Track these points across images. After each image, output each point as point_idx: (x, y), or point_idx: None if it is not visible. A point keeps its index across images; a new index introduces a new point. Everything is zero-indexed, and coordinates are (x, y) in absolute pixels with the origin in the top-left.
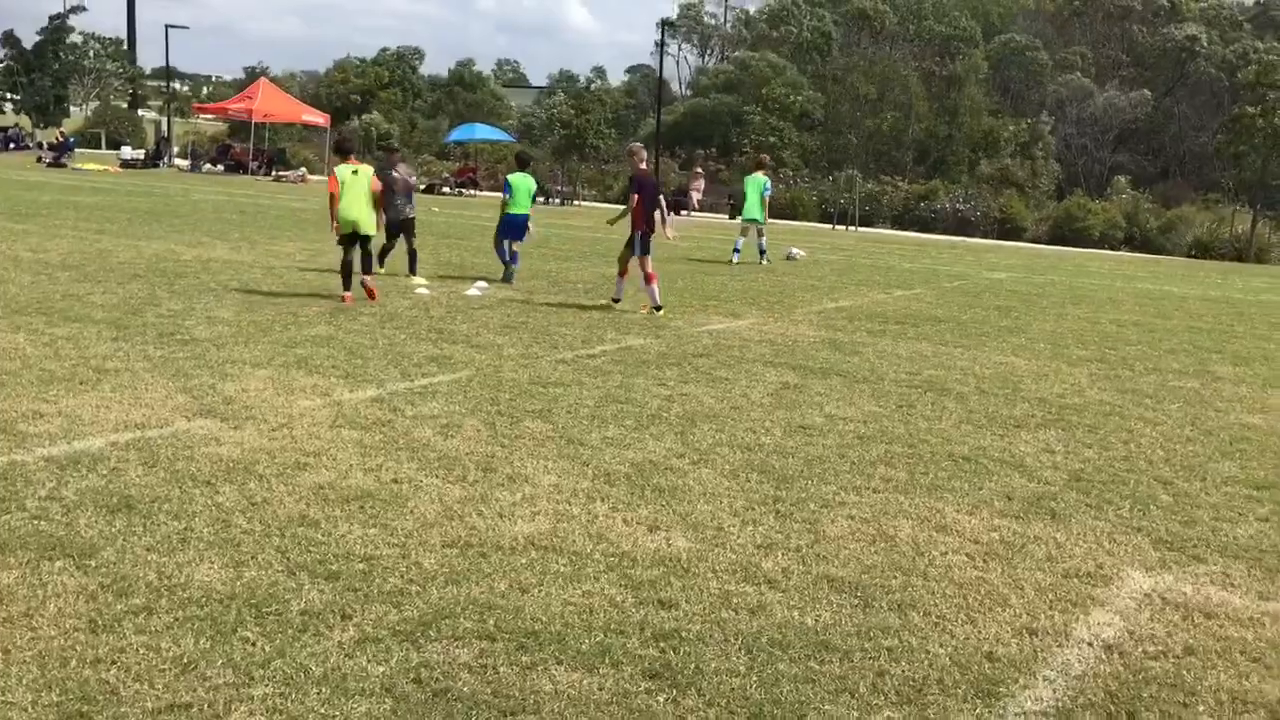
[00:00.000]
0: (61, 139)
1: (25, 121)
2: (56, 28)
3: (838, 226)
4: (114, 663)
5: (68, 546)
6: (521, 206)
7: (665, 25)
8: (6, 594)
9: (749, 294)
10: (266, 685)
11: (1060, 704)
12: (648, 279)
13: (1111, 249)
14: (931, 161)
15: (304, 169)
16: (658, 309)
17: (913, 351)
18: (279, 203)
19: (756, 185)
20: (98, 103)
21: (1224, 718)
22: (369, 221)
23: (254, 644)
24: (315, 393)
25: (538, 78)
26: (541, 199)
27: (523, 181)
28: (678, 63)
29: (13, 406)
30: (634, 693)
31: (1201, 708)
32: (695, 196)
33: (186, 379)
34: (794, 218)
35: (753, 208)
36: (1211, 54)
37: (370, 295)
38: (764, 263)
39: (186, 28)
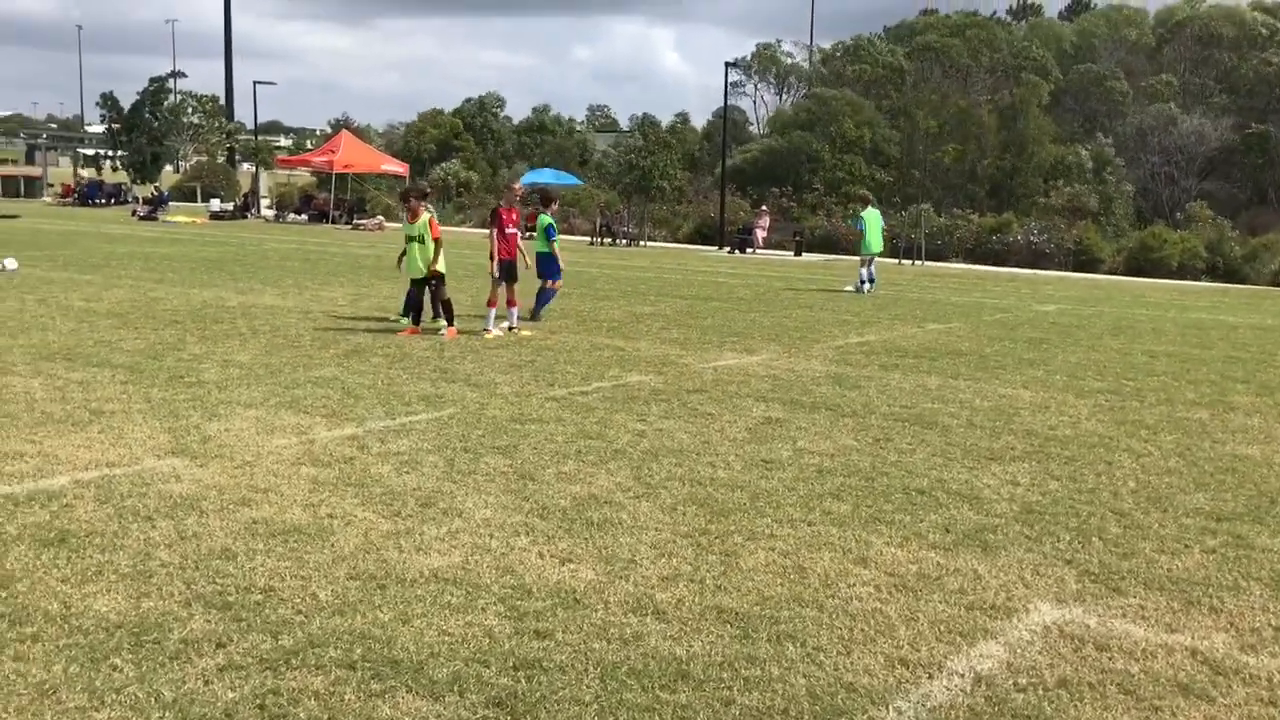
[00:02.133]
0: (156, 194)
1: (124, 178)
2: (155, 90)
3: (904, 261)
4: (41, 697)
5: None
6: (539, 246)
7: (729, 66)
8: None
9: (776, 329)
10: (113, 709)
11: None
12: (510, 304)
13: (1192, 279)
14: (1003, 194)
15: (380, 217)
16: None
17: (917, 385)
18: (347, 250)
19: (875, 219)
20: (196, 159)
21: None
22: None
23: (119, 670)
24: (293, 432)
25: (627, 121)
26: (609, 239)
27: (540, 220)
28: (754, 102)
29: (4, 445)
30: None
31: None
32: (760, 234)
33: (175, 419)
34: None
35: (874, 241)
36: None
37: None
38: (867, 290)
39: (274, 84)
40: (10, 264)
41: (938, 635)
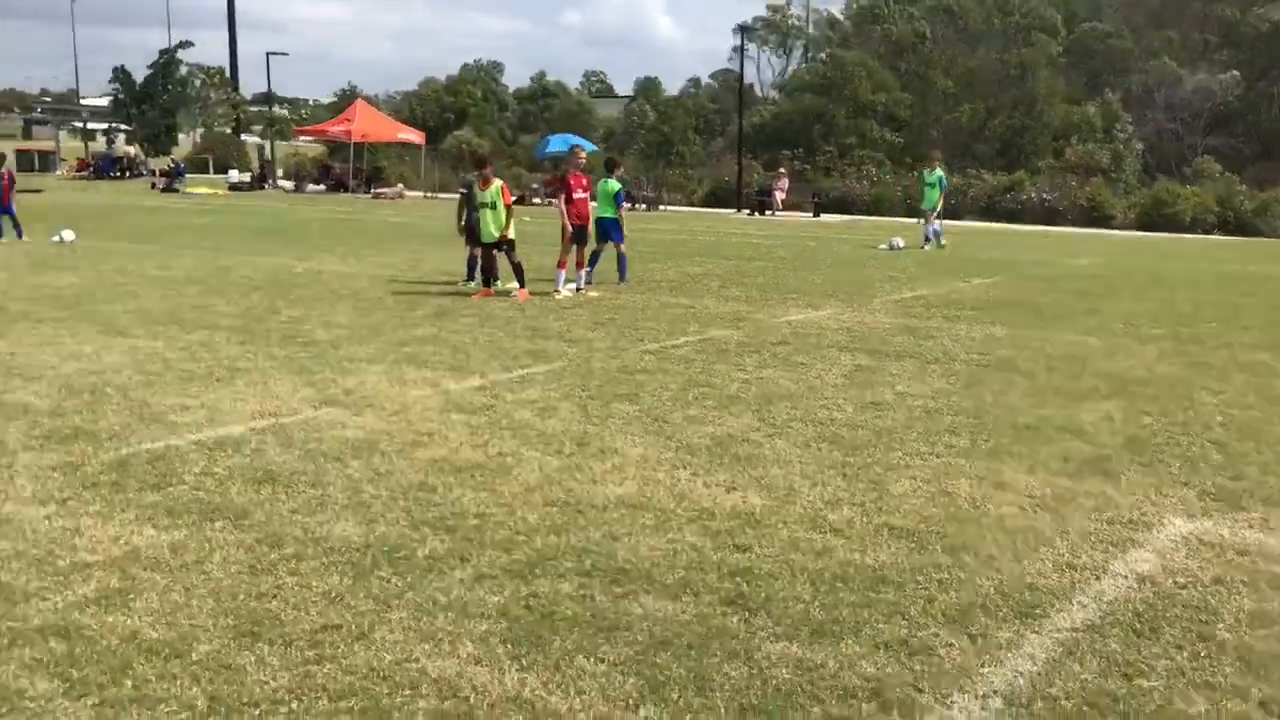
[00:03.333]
0: (173, 166)
1: (137, 151)
2: (166, 62)
3: (920, 221)
4: (274, 596)
5: (224, 511)
6: (604, 211)
7: (744, 30)
8: (180, 546)
9: (829, 286)
10: (402, 611)
11: (1091, 622)
12: (579, 266)
13: (1204, 233)
14: (1013, 153)
15: (401, 185)
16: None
17: (985, 334)
18: (379, 218)
19: (931, 178)
20: (204, 130)
21: (1240, 633)
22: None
23: (389, 581)
24: (425, 384)
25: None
26: (628, 204)
27: (604, 186)
28: (757, 66)
29: (161, 400)
30: (712, 616)
31: (1220, 625)
32: (779, 196)
33: (310, 375)
34: (879, 213)
35: (929, 196)
36: None
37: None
38: (926, 248)
39: (286, 54)
40: (69, 235)
41: (1091, 545)
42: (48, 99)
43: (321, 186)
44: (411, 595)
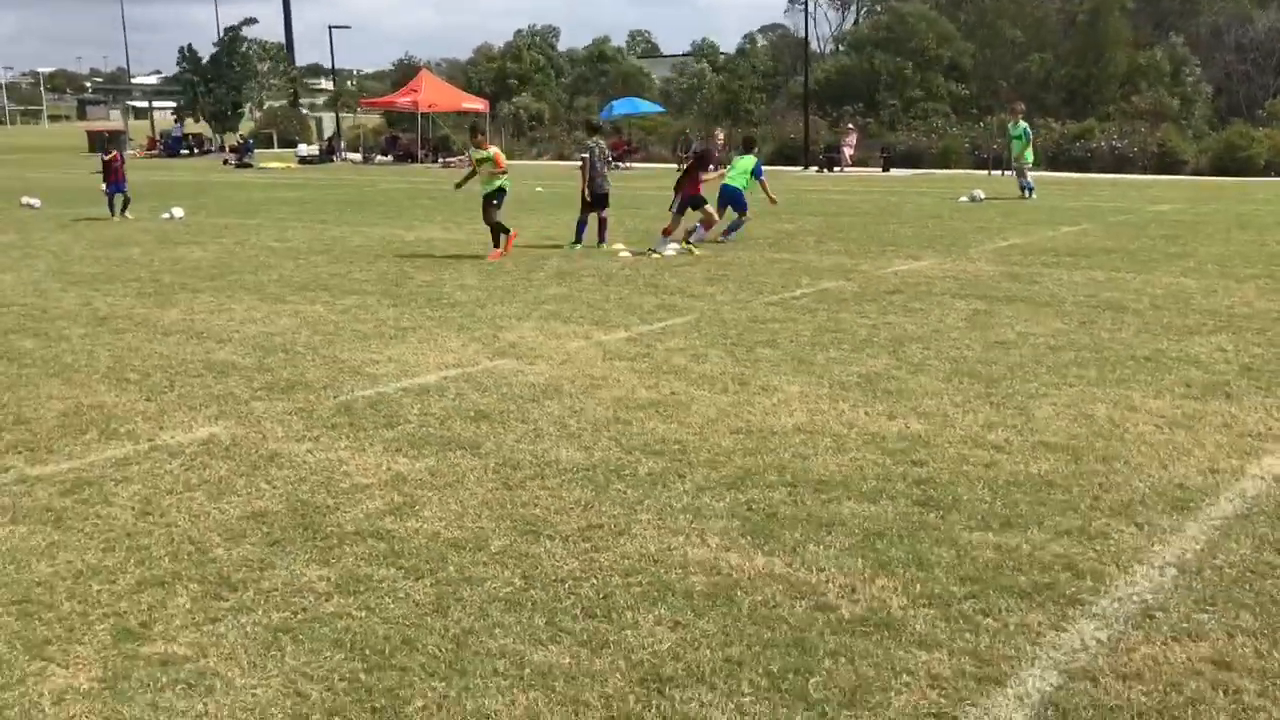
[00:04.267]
0: (242, 141)
1: (206, 129)
2: (231, 39)
3: (993, 173)
4: (536, 505)
5: (456, 443)
6: (734, 180)
7: None
8: (435, 471)
9: (923, 238)
10: (646, 514)
11: (1240, 512)
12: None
13: (1278, 175)
14: (1079, 101)
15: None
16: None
17: (1087, 279)
18: None
19: (1016, 131)
20: (266, 105)
21: None
22: None
23: (625, 492)
24: (578, 336)
25: (669, 46)
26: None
27: (741, 161)
28: (814, 21)
29: (350, 355)
30: (911, 514)
31: None
32: (848, 152)
33: (470, 331)
34: (947, 166)
35: (1016, 148)
36: None
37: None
38: (1026, 196)
39: (348, 27)
40: (178, 212)
41: (1226, 454)
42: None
43: (389, 158)
44: (649, 502)
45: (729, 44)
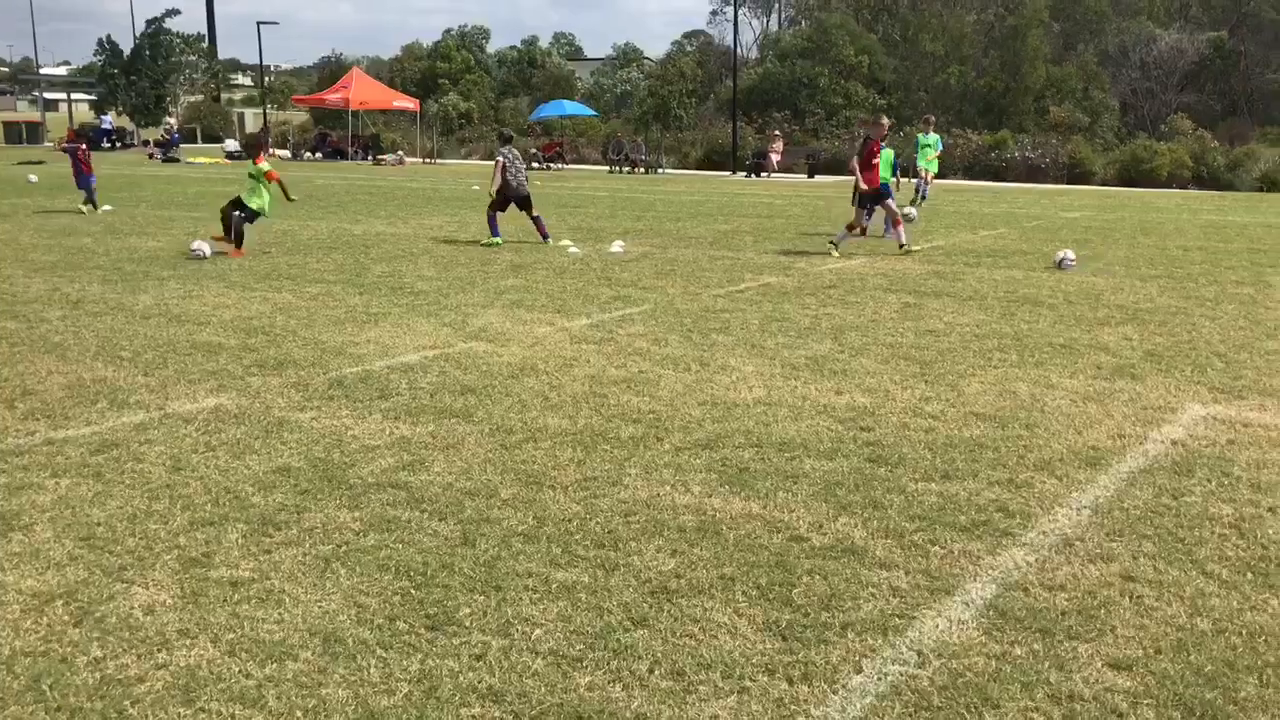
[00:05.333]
0: (167, 135)
1: (127, 122)
2: (155, 31)
3: (913, 179)
4: (534, 463)
5: (450, 412)
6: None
7: None
8: (435, 435)
9: (854, 239)
10: (635, 468)
11: (1143, 468)
12: (895, 224)
13: (1180, 188)
14: (996, 113)
15: (401, 152)
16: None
17: (1006, 277)
18: (394, 184)
19: (927, 140)
20: (189, 99)
21: (1252, 473)
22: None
23: (612, 452)
24: (542, 323)
25: (592, 50)
26: (628, 168)
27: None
28: (737, 29)
29: (330, 338)
30: (864, 469)
31: (1236, 468)
32: (775, 158)
33: (439, 318)
34: None
35: (923, 160)
36: None
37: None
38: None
39: (277, 24)
40: (107, 207)
41: (1132, 423)
42: (3, 68)
43: (319, 155)
44: (635, 459)
45: (651, 49)
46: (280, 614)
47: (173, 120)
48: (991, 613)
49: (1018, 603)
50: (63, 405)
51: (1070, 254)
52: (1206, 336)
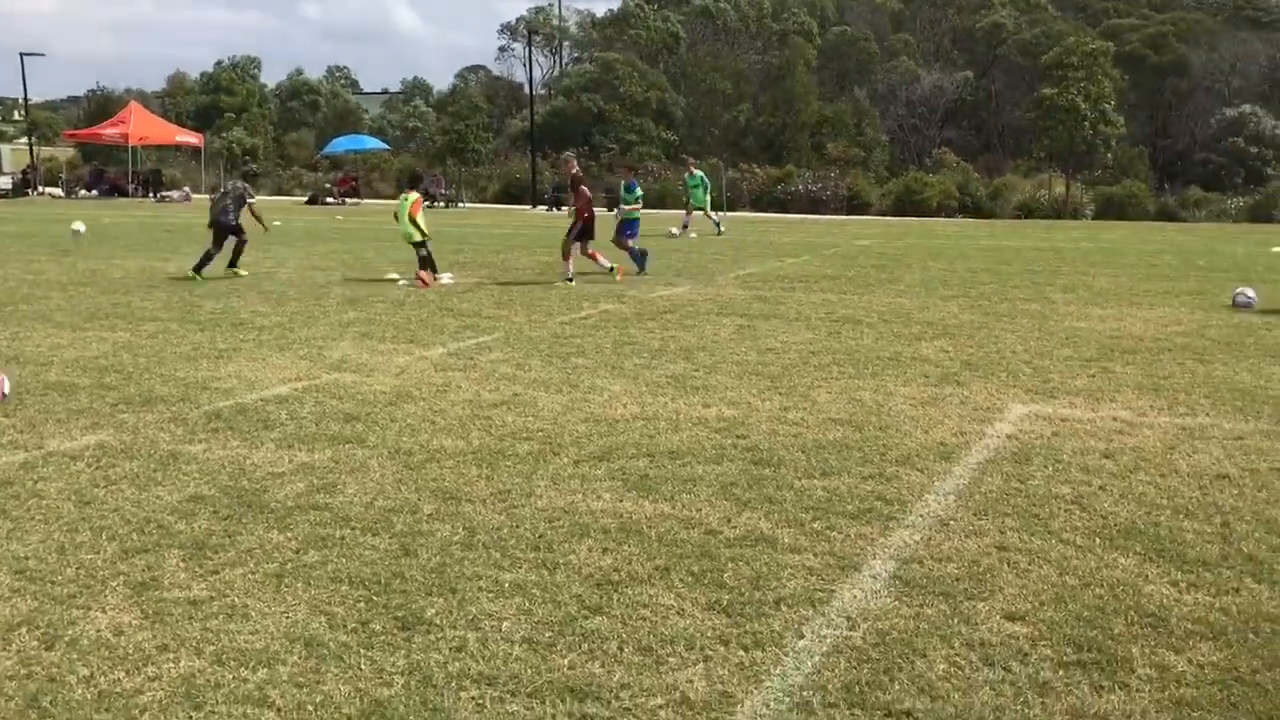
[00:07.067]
0: None
1: None
2: None
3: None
4: (443, 480)
5: (341, 438)
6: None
7: (529, 32)
8: (336, 459)
9: (674, 269)
10: (543, 481)
11: (987, 459)
12: (593, 257)
13: (948, 216)
14: (776, 148)
15: (188, 188)
16: (610, 269)
17: (822, 299)
18: (186, 220)
19: (693, 180)
20: None
21: (1079, 459)
22: (407, 232)
23: (514, 468)
24: (400, 353)
25: (369, 83)
26: (426, 202)
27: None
28: (528, 65)
29: (189, 374)
30: (750, 470)
31: (1064, 455)
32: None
33: (293, 351)
34: (664, 207)
35: (697, 196)
36: (1018, 39)
37: (422, 283)
38: (683, 234)
39: (43, 55)
40: None
41: (968, 421)
42: None
43: (94, 192)
44: (540, 473)
45: (435, 84)
46: (252, 626)
47: None
48: (897, 583)
49: (917, 573)
50: None
51: (1250, 292)
52: (1011, 346)
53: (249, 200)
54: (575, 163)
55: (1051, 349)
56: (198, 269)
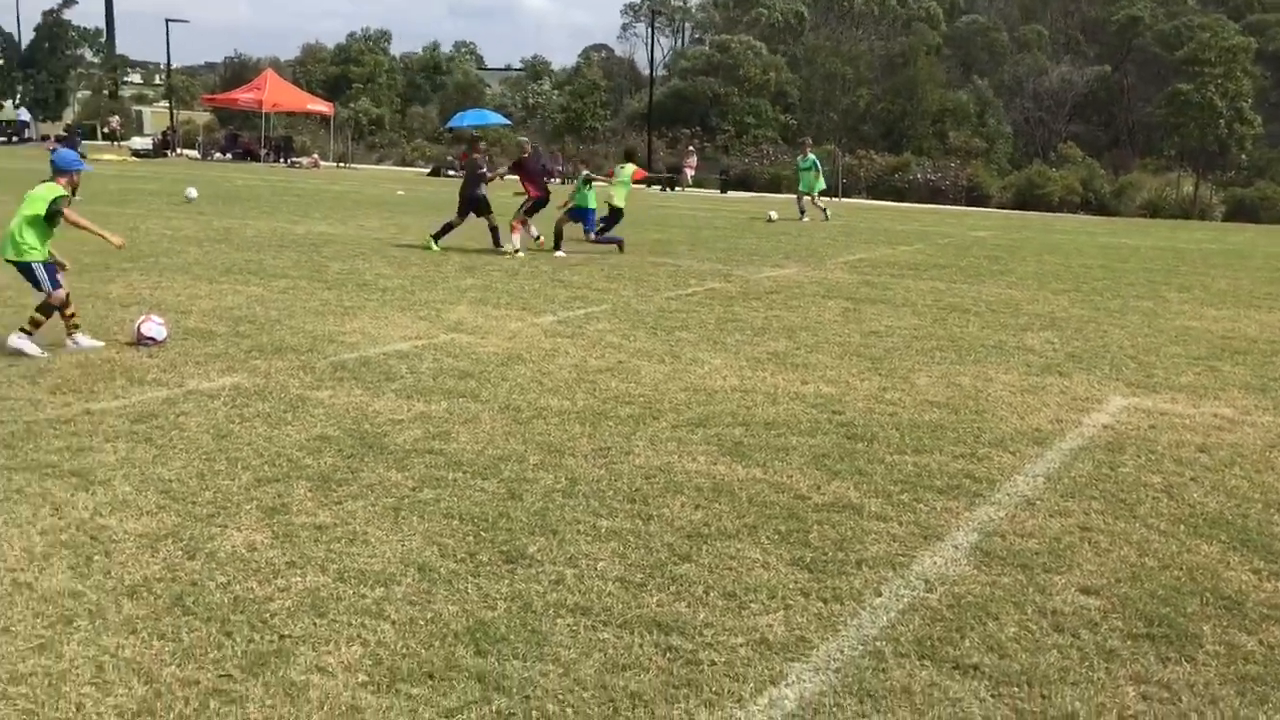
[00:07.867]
0: (69, 131)
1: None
2: (53, 23)
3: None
4: (549, 435)
5: (456, 393)
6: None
7: (654, 13)
8: (451, 411)
9: (782, 250)
10: (641, 441)
11: (1081, 446)
12: (513, 229)
13: (1070, 212)
14: (896, 136)
15: (316, 155)
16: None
17: (931, 287)
18: (314, 187)
19: (805, 164)
20: (86, 94)
21: (1173, 451)
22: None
23: (615, 428)
24: (512, 318)
25: (493, 60)
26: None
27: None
28: (649, 45)
29: (316, 327)
30: (843, 444)
31: (1159, 447)
32: (689, 173)
33: (414, 311)
34: (779, 190)
35: (805, 180)
36: (1156, 31)
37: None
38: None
39: (187, 21)
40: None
41: (1066, 410)
42: None
43: (228, 155)
44: (640, 434)
45: (555, 62)
46: (371, 550)
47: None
48: (978, 554)
49: (998, 546)
50: (83, 382)
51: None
52: (1118, 341)
53: (486, 174)
54: (528, 146)
55: (1160, 345)
56: (436, 237)
